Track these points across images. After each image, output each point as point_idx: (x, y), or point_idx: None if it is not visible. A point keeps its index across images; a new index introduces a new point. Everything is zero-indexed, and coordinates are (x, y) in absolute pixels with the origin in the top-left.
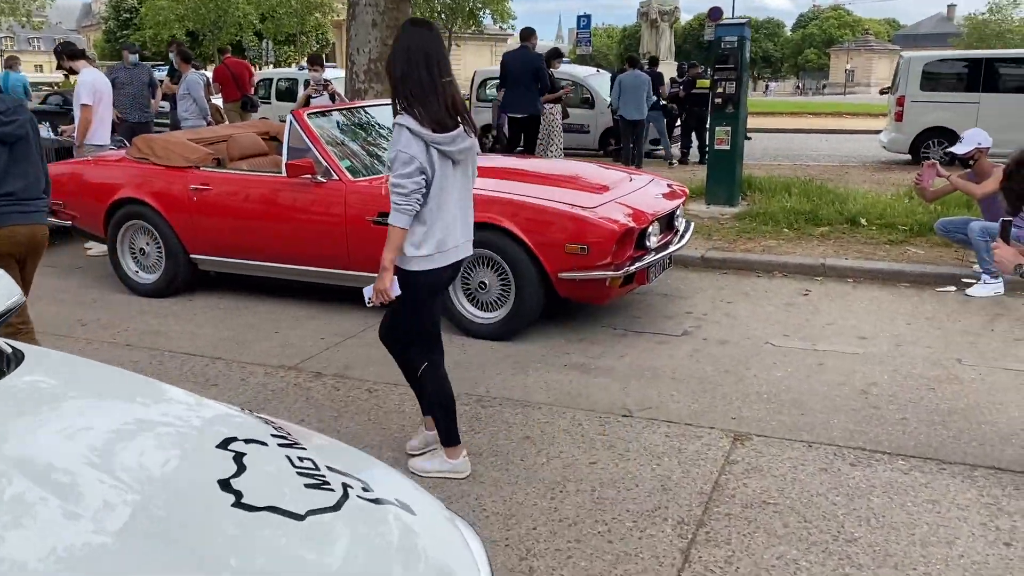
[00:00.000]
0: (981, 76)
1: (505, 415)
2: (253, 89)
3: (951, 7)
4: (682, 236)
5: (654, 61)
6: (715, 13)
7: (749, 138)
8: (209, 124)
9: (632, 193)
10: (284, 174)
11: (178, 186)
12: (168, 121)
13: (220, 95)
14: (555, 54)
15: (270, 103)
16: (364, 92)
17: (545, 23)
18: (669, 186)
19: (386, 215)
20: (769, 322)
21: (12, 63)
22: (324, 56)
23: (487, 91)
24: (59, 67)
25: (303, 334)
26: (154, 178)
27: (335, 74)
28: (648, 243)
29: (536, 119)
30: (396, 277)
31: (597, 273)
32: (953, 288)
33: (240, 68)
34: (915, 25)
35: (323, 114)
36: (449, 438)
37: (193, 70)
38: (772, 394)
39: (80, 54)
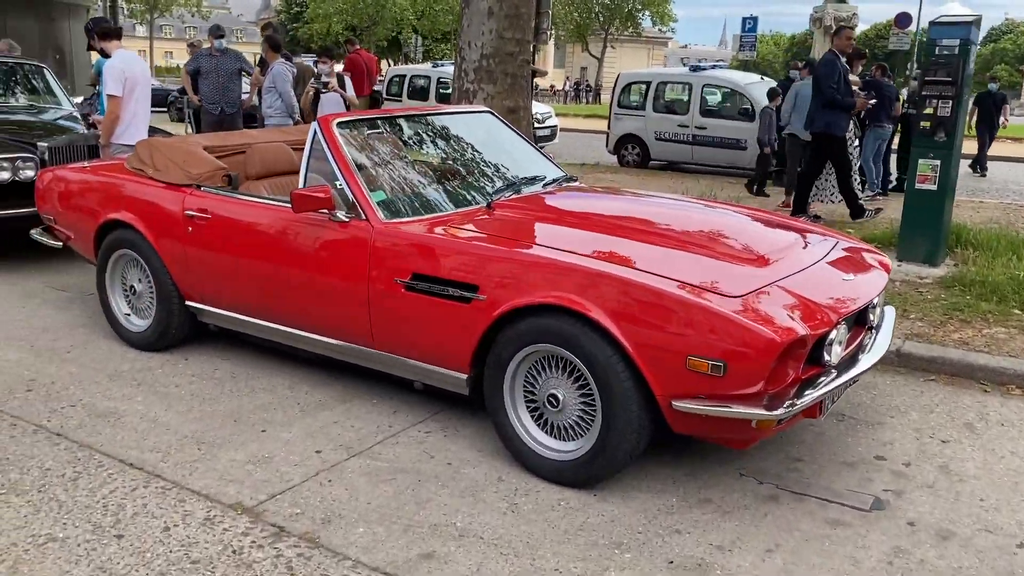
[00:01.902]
0: None
1: None
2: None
3: None
4: (876, 334)
5: None
6: (903, 20)
7: (984, 173)
8: (296, 123)
9: (807, 269)
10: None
11: (172, 210)
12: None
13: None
14: (858, 54)
15: (400, 100)
16: (472, 95)
17: (707, 28)
18: (863, 256)
19: (424, 278)
20: (1022, 492)
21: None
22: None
23: (631, 97)
24: (90, 47)
25: (298, 437)
26: (146, 197)
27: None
28: (827, 357)
29: (835, 140)
30: None
31: (738, 409)
32: None
33: (370, 61)
34: None
35: (370, 122)
36: None
37: (282, 60)
38: None
39: (114, 33)
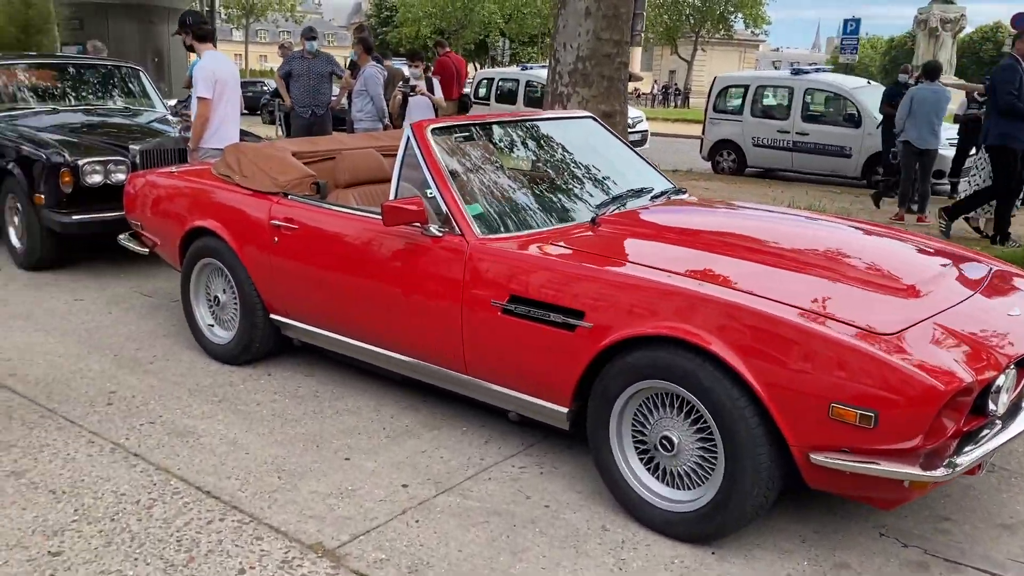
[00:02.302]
0: None
1: None
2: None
3: None
4: None
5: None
6: (1020, 21)
7: None
8: (386, 127)
9: (965, 301)
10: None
11: (258, 218)
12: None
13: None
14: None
15: (488, 103)
16: (566, 98)
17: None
18: (1016, 281)
19: (524, 300)
20: None
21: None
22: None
23: (728, 101)
24: (186, 45)
25: (383, 468)
26: (232, 204)
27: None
28: (992, 407)
29: (1008, 153)
30: None
31: (890, 467)
32: None
33: (459, 64)
34: None
35: (466, 128)
36: None
37: (373, 63)
38: None
39: (209, 36)
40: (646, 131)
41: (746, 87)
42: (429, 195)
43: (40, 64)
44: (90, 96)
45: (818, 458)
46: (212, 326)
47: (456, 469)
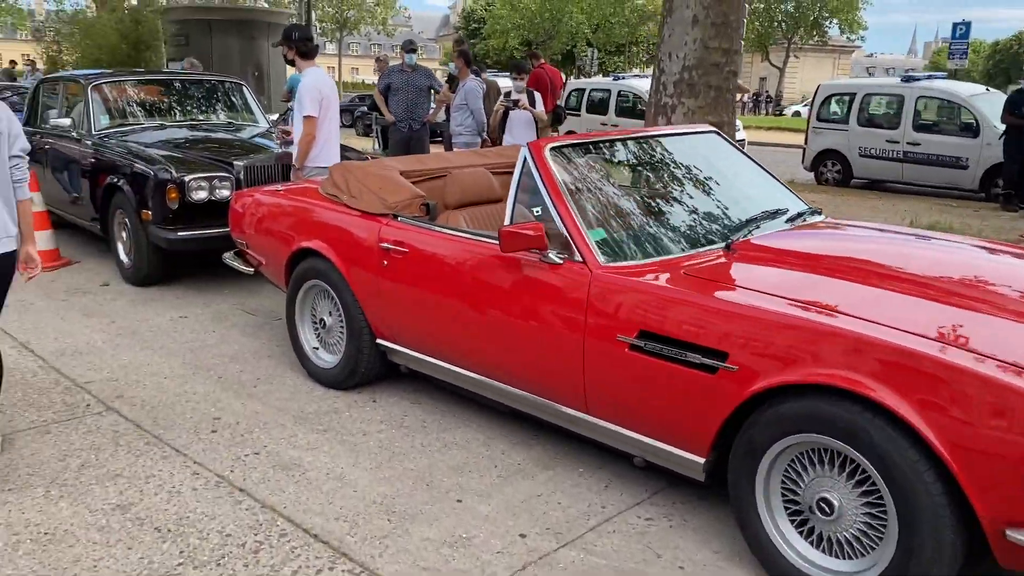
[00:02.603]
0: None
1: None
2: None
3: None
4: None
5: None
6: None
7: None
8: (484, 143)
9: None
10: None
11: (366, 241)
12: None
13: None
14: None
15: (579, 114)
16: (671, 110)
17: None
18: None
19: (655, 337)
20: None
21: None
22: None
23: (832, 109)
24: (286, 57)
25: (498, 513)
26: (340, 225)
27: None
28: None
29: None
30: None
31: None
32: None
33: (554, 75)
34: None
35: (586, 147)
36: None
37: (473, 76)
38: None
39: (312, 52)
40: (744, 140)
41: (852, 95)
42: (550, 221)
43: (148, 80)
44: (195, 111)
45: (1016, 535)
46: (317, 349)
47: (576, 518)
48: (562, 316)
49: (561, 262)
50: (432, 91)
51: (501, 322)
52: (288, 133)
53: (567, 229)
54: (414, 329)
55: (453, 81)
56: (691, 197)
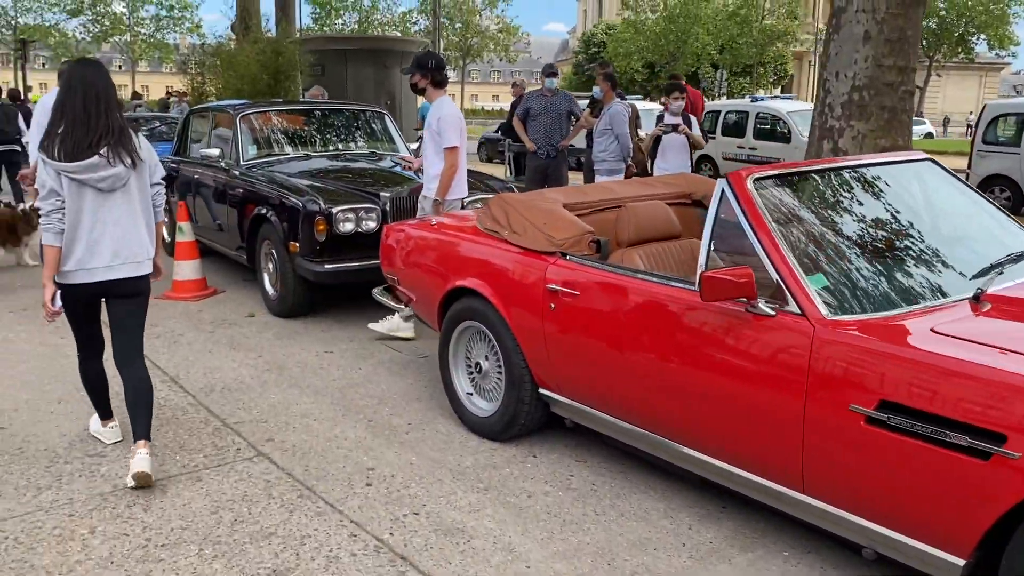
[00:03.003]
0: None
1: None
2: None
3: None
4: None
5: None
6: None
7: None
8: (628, 169)
9: None
10: (696, 289)
11: (531, 281)
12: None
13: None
14: None
15: (714, 137)
16: (838, 133)
17: None
18: None
19: (902, 410)
20: None
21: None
22: (781, 89)
23: (1001, 131)
24: (414, 86)
25: None
26: (500, 263)
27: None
28: None
29: None
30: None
31: None
32: None
33: (696, 98)
34: None
35: (794, 177)
36: (100, 414)
37: (618, 100)
38: None
39: (446, 82)
40: None
41: (1022, 115)
42: (758, 264)
43: (292, 110)
44: (338, 141)
45: None
46: (471, 395)
47: None
48: (775, 377)
49: (774, 313)
50: (571, 117)
51: (692, 379)
52: (411, 163)
53: (780, 274)
54: (584, 380)
55: (594, 105)
56: (918, 236)
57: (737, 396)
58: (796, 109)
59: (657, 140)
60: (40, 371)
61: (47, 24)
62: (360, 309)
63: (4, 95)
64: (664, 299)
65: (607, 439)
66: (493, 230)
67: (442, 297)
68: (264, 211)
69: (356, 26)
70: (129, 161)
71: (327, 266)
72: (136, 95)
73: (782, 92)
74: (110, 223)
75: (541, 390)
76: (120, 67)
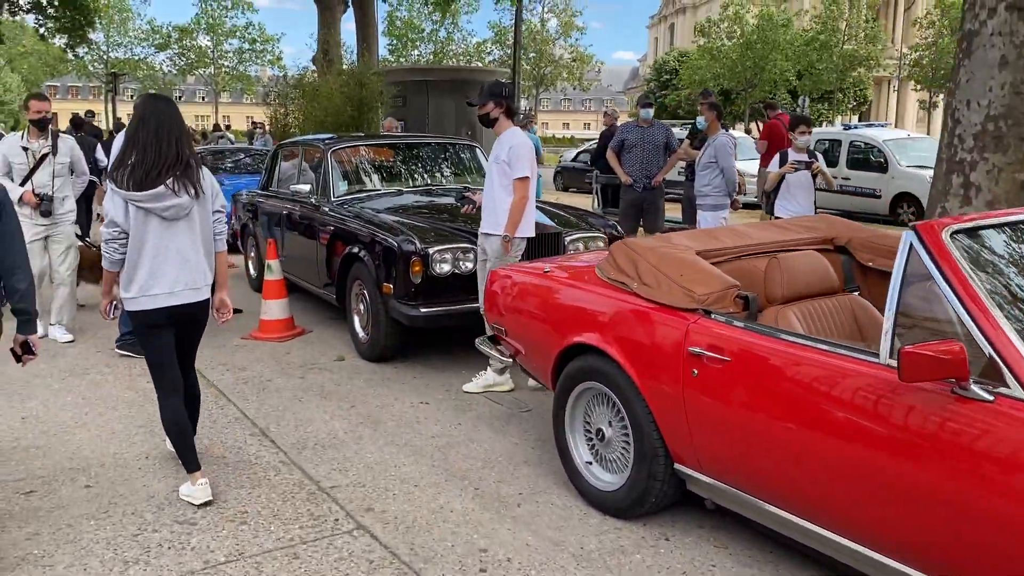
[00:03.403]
0: None
1: None
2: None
3: None
4: None
5: None
6: None
7: None
8: (733, 203)
9: None
10: (882, 361)
11: (669, 342)
12: (680, 195)
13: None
14: None
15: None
16: (970, 167)
17: None
18: None
19: None
20: None
21: (527, 122)
22: (860, 115)
23: None
24: (488, 118)
25: None
26: (629, 319)
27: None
28: None
29: None
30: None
31: None
32: None
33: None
34: None
35: (998, 230)
36: (186, 464)
37: (723, 131)
38: None
39: (516, 111)
40: None
41: None
42: (955, 331)
43: (382, 143)
44: (430, 175)
45: None
46: (590, 464)
47: None
48: (993, 479)
49: (992, 399)
50: (667, 149)
51: (880, 470)
52: (472, 198)
53: (997, 348)
54: (733, 459)
55: (693, 136)
56: None
57: (941, 495)
58: (892, 137)
59: (781, 178)
60: (128, 420)
61: (136, 58)
62: (454, 354)
63: (70, 123)
64: (842, 374)
65: (752, 521)
66: (619, 281)
67: (558, 354)
68: (356, 250)
69: (432, 57)
70: (193, 192)
71: (422, 309)
72: (218, 127)
73: (860, 119)
74: (173, 251)
75: (677, 465)
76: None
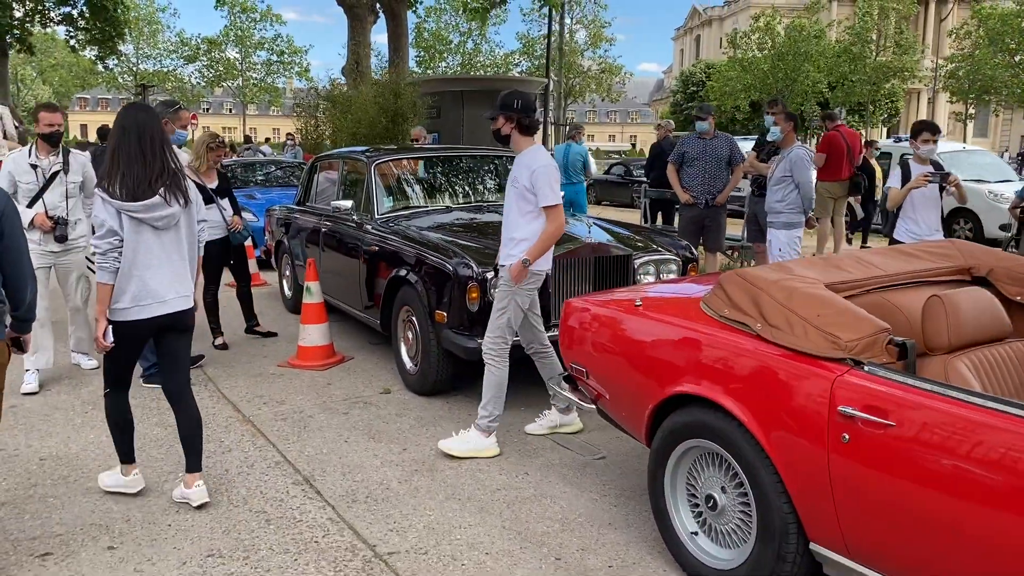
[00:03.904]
0: None
1: None
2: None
3: None
4: None
5: None
6: None
7: None
8: (808, 222)
9: None
10: None
11: (810, 399)
12: (742, 210)
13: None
14: None
15: None
16: None
17: None
18: None
19: None
20: None
21: (575, 134)
22: (890, 128)
23: None
24: (499, 134)
25: None
26: (752, 368)
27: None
28: None
29: None
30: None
31: None
32: None
33: (853, 139)
34: None
35: None
36: (123, 456)
37: (799, 143)
38: None
39: (536, 127)
40: None
41: None
42: None
43: (427, 156)
44: (478, 190)
45: None
46: (696, 535)
47: None
48: None
49: None
50: (731, 162)
51: None
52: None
53: None
54: (897, 546)
55: (760, 148)
56: None
57: None
58: (948, 150)
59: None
60: (157, 464)
61: (165, 70)
62: (513, 388)
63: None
64: None
65: None
66: (737, 321)
67: (656, 405)
68: (404, 272)
69: (460, 68)
70: (182, 201)
71: (479, 340)
72: (247, 139)
73: (889, 132)
74: (164, 260)
75: (813, 545)
76: (230, 110)
